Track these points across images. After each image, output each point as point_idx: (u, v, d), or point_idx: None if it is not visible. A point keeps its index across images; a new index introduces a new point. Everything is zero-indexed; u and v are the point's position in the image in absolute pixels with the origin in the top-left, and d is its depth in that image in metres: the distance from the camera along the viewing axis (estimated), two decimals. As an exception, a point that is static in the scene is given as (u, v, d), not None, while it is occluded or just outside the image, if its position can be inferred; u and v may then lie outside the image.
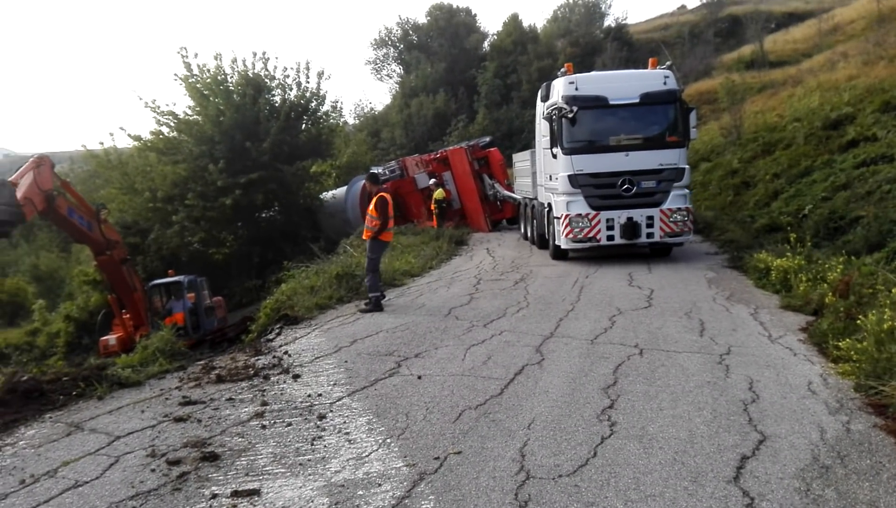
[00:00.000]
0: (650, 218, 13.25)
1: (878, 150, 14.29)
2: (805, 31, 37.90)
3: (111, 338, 16.76)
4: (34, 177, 13.89)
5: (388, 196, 10.48)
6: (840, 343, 6.67)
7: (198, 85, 23.37)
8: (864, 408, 5.41)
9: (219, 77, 23.65)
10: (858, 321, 6.89)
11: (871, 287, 8.23)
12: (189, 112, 23.72)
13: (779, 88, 26.07)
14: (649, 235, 13.33)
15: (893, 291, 7.32)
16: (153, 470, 4.78)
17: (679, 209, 13.23)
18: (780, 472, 4.35)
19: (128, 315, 17.18)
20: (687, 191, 13.56)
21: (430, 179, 23.17)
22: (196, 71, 23.36)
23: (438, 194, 22.26)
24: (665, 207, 13.24)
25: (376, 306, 10.23)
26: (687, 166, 13.55)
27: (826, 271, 9.51)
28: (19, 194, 13.28)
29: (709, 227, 17.03)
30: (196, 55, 36.86)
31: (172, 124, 23.62)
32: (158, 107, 23.14)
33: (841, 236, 11.99)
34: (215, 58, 27.76)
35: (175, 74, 23.47)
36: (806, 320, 8.42)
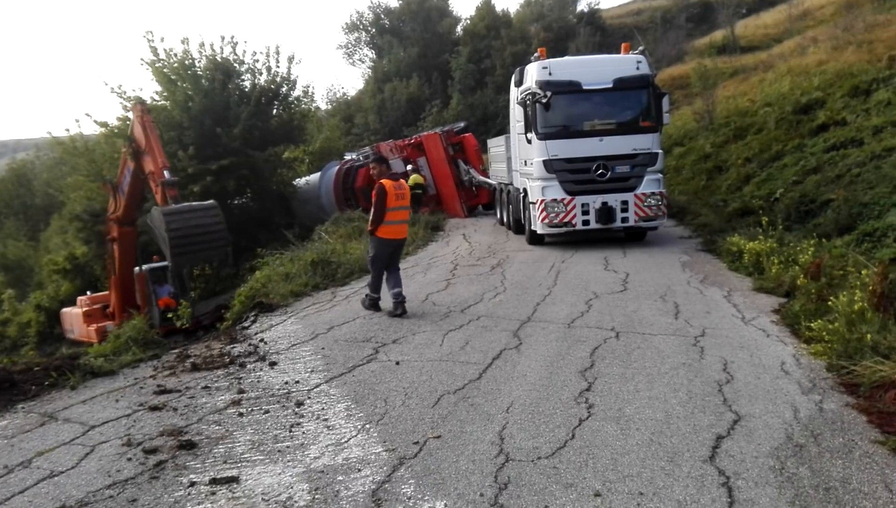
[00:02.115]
0: (625, 203, 13.33)
1: (847, 134, 14.51)
2: (775, 16, 38.31)
3: (108, 324, 16.39)
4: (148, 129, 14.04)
5: (387, 184, 8.91)
6: (812, 324, 6.80)
7: (165, 70, 22.90)
8: (836, 388, 5.52)
9: (186, 62, 23.19)
10: (830, 303, 7.02)
11: (842, 269, 8.41)
12: (157, 98, 23.29)
13: (750, 73, 26.35)
14: (624, 219, 13.42)
15: (863, 272, 7.47)
16: (129, 459, 4.72)
17: (653, 194, 13.33)
18: (754, 451, 4.43)
19: (112, 300, 16.82)
20: (660, 175, 13.67)
21: (406, 165, 23.05)
22: (163, 55, 22.87)
23: (414, 179, 22.16)
24: (639, 191, 13.33)
25: (371, 306, 9.18)
26: (660, 151, 13.66)
27: (797, 253, 9.67)
28: (160, 159, 13.63)
29: (682, 211, 17.19)
30: (163, 39, 36.30)
31: (139, 110, 23.18)
32: (125, 92, 22.63)
33: (812, 219, 12.17)
34: (182, 42, 27.37)
35: (141, 59, 23.01)
36: (778, 301, 8.55)
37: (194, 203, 15.42)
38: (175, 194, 14.22)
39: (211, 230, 13.74)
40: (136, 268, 16.96)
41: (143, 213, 16.51)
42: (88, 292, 20.48)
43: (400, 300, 8.88)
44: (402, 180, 9.37)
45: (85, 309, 17.52)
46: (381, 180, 8.98)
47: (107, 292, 19.35)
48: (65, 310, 20.70)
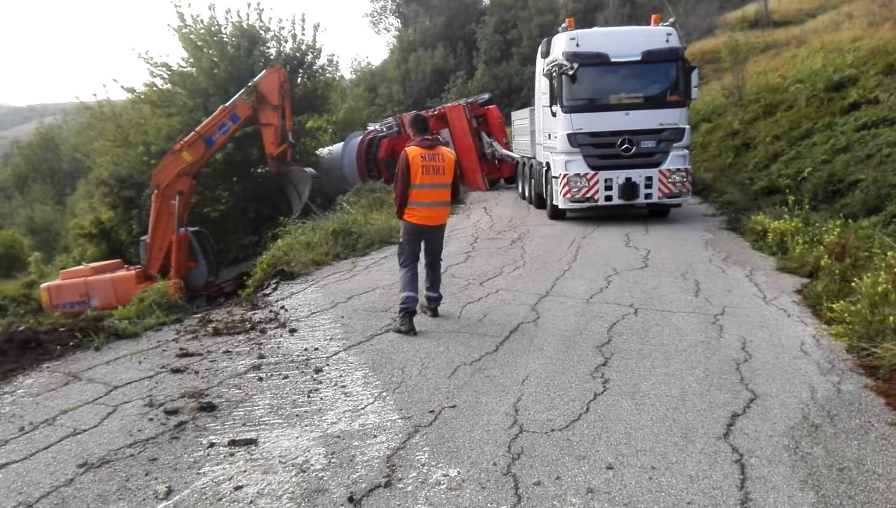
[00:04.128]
0: (649, 179, 13.19)
1: (879, 113, 14.17)
2: (810, -10, 37.29)
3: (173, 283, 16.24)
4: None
5: (412, 153, 6.82)
6: (834, 305, 6.72)
7: (191, 36, 22.93)
8: (855, 369, 5.47)
9: (212, 28, 23.19)
10: (853, 284, 6.93)
11: (867, 250, 8.27)
12: (183, 64, 23.33)
13: (782, 49, 25.77)
14: (647, 195, 13.29)
15: (889, 254, 7.35)
16: (151, 420, 4.83)
17: (678, 170, 13.17)
18: (769, 430, 4.41)
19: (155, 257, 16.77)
20: (686, 151, 13.48)
21: None
22: (189, 21, 22.92)
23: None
24: (664, 167, 13.17)
25: (403, 321, 6.83)
26: (687, 126, 13.45)
27: (823, 233, 9.53)
28: (289, 122, 17.40)
29: (707, 188, 16.98)
30: (190, 5, 36.38)
31: (166, 76, 23.25)
32: (152, 58, 22.73)
33: (839, 199, 11.96)
34: (209, 8, 27.39)
35: (168, 25, 23.07)
36: (801, 282, 8.46)
37: (313, 171, 19.81)
38: (292, 155, 18.37)
39: (313, 195, 17.96)
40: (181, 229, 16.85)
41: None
42: (84, 263, 19.67)
43: (433, 306, 7.42)
44: (444, 149, 7.11)
45: (137, 270, 16.87)
46: (406, 147, 6.97)
47: (100, 263, 18.17)
48: (53, 283, 16.87)
